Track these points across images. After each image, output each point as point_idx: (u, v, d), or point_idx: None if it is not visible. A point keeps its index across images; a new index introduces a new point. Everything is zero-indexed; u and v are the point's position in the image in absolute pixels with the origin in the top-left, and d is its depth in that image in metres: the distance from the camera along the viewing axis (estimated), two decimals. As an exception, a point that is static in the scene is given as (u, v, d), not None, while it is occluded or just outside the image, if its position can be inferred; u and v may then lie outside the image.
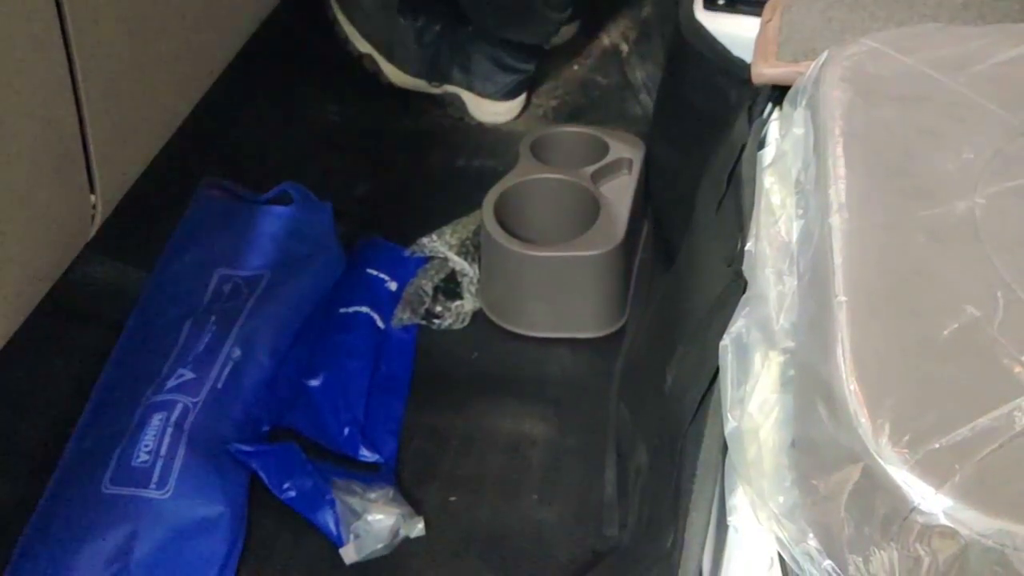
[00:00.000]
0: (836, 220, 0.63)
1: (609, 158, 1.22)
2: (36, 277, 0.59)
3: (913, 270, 0.60)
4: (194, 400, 1.04)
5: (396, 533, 0.98)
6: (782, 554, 0.58)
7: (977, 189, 0.66)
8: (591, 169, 1.21)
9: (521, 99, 1.49)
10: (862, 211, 0.64)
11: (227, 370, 1.07)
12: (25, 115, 0.53)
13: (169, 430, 1.01)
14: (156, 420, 1.01)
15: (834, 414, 0.54)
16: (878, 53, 0.78)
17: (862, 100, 0.73)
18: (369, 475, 1.03)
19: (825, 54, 0.79)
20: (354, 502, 0.99)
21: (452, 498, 1.03)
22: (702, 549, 0.64)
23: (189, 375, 1.05)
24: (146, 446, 1.00)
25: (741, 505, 0.63)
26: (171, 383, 1.05)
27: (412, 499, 1.01)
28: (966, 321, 0.57)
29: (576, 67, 1.60)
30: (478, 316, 1.20)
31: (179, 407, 1.03)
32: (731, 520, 0.63)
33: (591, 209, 1.17)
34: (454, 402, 1.12)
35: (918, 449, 0.50)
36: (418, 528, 0.98)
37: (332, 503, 0.98)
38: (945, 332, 0.56)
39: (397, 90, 1.48)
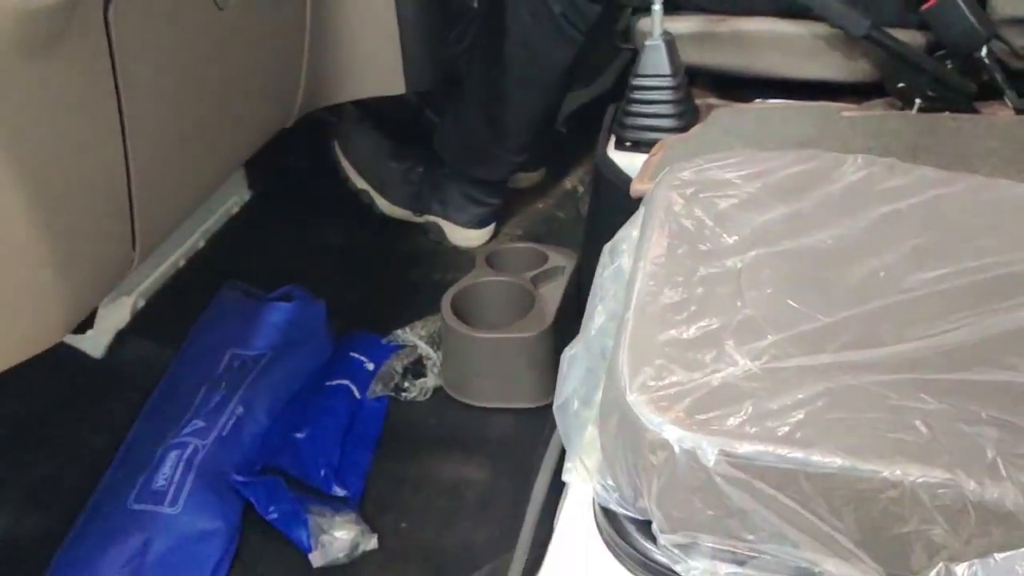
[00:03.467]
0: (641, 265, 0.92)
1: (547, 266, 1.52)
2: (87, 297, 0.88)
3: (684, 301, 0.88)
4: (203, 443, 1.31)
5: (356, 546, 1.23)
6: (594, 488, 0.84)
7: (747, 253, 0.94)
8: (531, 274, 1.50)
9: (490, 228, 1.80)
10: (660, 264, 0.92)
11: (231, 422, 1.35)
12: (91, 187, 0.83)
13: (182, 464, 1.28)
14: (173, 456, 1.29)
15: (612, 382, 0.81)
16: (702, 170, 1.08)
17: (680, 198, 1.02)
18: (338, 505, 1.29)
19: (666, 170, 1.09)
20: (323, 521, 1.24)
21: (403, 524, 1.28)
22: (543, 497, 0.90)
23: (201, 424, 1.33)
24: (164, 474, 1.27)
25: (571, 467, 0.89)
26: (187, 429, 1.33)
27: (371, 524, 1.26)
28: (709, 328, 0.84)
29: (540, 204, 1.92)
30: (439, 392, 1.48)
31: (191, 447, 1.30)
32: (565, 477, 0.89)
33: (529, 304, 1.46)
34: (411, 455, 1.38)
35: (651, 395, 0.77)
36: (372, 542, 1.23)
37: (306, 522, 1.24)
38: (691, 334, 0.83)
39: (388, 218, 1.81)
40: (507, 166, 1.73)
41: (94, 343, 1.43)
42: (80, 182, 0.79)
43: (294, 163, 1.80)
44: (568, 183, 1.97)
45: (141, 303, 1.53)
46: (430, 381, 1.48)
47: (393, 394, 1.46)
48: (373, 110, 1.78)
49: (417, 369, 1.50)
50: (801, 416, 0.73)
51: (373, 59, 1.32)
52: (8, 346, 0.76)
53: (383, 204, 1.80)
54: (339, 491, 1.31)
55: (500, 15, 1.52)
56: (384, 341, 1.53)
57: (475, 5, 1.54)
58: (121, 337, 1.48)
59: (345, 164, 1.79)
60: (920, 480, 0.69)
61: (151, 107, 0.87)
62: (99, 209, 0.84)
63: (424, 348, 1.51)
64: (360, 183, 1.79)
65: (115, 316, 1.47)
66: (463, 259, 1.77)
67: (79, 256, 0.80)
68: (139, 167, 0.88)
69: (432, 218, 1.79)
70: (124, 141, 0.87)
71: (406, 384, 1.47)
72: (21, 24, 0.66)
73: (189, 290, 1.58)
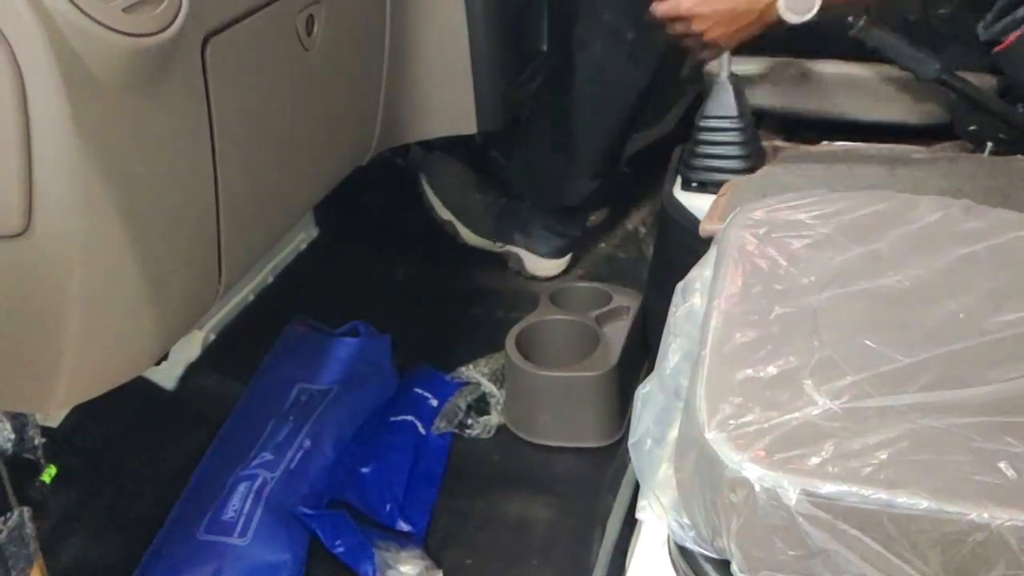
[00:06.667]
0: (715, 304, 0.92)
1: (611, 305, 1.52)
2: (177, 327, 0.90)
3: (760, 339, 0.88)
4: (272, 475, 1.33)
5: (421, 581, 1.23)
6: (669, 526, 0.84)
7: (822, 293, 0.94)
8: (595, 313, 1.51)
9: (568, 258, 1.82)
10: (735, 303, 0.92)
11: (299, 455, 1.36)
12: (185, 220, 0.85)
13: (251, 496, 1.30)
14: (242, 487, 1.31)
15: (689, 419, 0.81)
16: (774, 209, 1.08)
17: (752, 237, 1.02)
18: (403, 540, 1.29)
19: (737, 210, 1.10)
20: (389, 557, 1.25)
21: (468, 560, 1.28)
22: (617, 533, 0.90)
23: (269, 456, 1.35)
24: (233, 506, 1.28)
25: (646, 505, 0.89)
26: (255, 462, 1.34)
27: (436, 560, 1.27)
28: (787, 368, 0.84)
29: (604, 245, 1.93)
30: (502, 429, 1.48)
31: (260, 479, 1.32)
32: (639, 515, 0.89)
33: (593, 343, 1.46)
34: (476, 492, 1.38)
35: (730, 433, 0.77)
36: (438, 578, 1.24)
37: (372, 556, 1.24)
38: (769, 373, 0.83)
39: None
40: (582, 189, 1.74)
41: (166, 375, 1.46)
42: (175, 214, 0.82)
43: (360, 202, 1.83)
44: (630, 224, 1.98)
45: (212, 337, 1.56)
46: (493, 418, 1.49)
47: (457, 431, 1.47)
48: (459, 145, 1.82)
49: (481, 406, 1.51)
50: (884, 457, 0.73)
51: (446, 99, 1.34)
52: (104, 372, 0.79)
53: (466, 234, 1.83)
54: (404, 526, 1.31)
55: (571, 54, 1.55)
56: (448, 378, 1.54)
57: (544, 48, 1.57)
58: (192, 370, 1.50)
59: (431, 195, 1.83)
60: (1008, 523, 0.68)
61: (240, 143, 0.90)
62: (191, 241, 0.87)
63: (488, 385, 1.52)
64: (445, 214, 1.83)
65: (187, 349, 1.50)
66: (526, 297, 1.78)
67: (171, 286, 0.83)
68: (228, 201, 0.91)
69: (512, 248, 1.81)
70: (215, 175, 0.90)
71: (470, 421, 1.48)
72: (129, 62, 0.70)
73: (258, 325, 1.60)
